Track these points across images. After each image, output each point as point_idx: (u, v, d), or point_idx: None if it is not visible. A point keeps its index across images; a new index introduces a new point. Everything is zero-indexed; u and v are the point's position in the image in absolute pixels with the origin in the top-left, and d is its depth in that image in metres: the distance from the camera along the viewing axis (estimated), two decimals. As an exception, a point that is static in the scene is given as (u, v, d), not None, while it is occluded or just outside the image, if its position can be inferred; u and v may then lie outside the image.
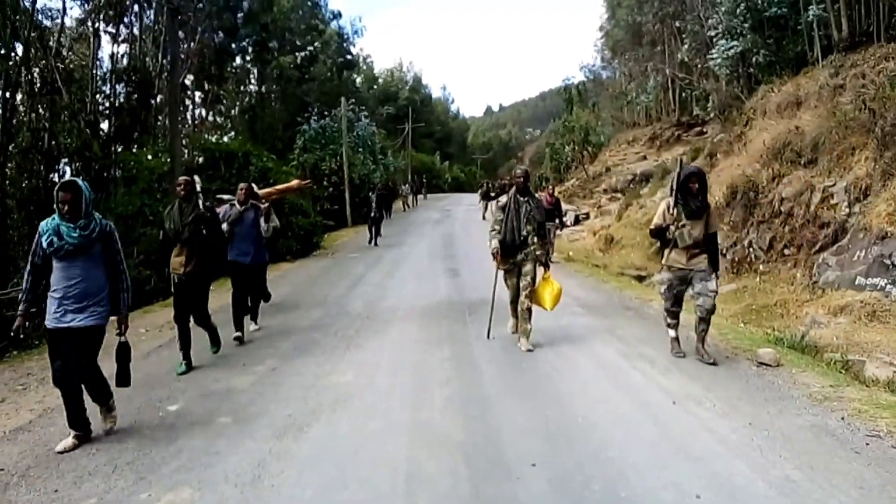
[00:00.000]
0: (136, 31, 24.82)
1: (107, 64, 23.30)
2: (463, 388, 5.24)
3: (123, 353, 4.44)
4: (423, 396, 5.07)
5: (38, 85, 17.25)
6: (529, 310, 6.42)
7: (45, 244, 4.09)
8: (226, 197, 8.31)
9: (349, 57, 47.57)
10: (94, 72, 21.29)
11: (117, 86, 22.71)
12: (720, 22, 20.51)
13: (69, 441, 4.20)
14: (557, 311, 6.70)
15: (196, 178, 6.39)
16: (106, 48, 40.02)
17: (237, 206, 7.50)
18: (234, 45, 33.62)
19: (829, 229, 10.39)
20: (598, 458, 3.78)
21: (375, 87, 59.97)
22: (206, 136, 30.51)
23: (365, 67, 58.40)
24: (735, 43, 19.55)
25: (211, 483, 3.61)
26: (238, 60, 36.02)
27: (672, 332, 6.11)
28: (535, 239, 6.35)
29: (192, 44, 26.63)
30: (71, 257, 4.11)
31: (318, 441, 4.21)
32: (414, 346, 6.79)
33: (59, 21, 20.31)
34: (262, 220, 7.67)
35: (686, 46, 27.66)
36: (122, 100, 22.54)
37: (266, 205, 8.01)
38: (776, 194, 12.04)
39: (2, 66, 15.13)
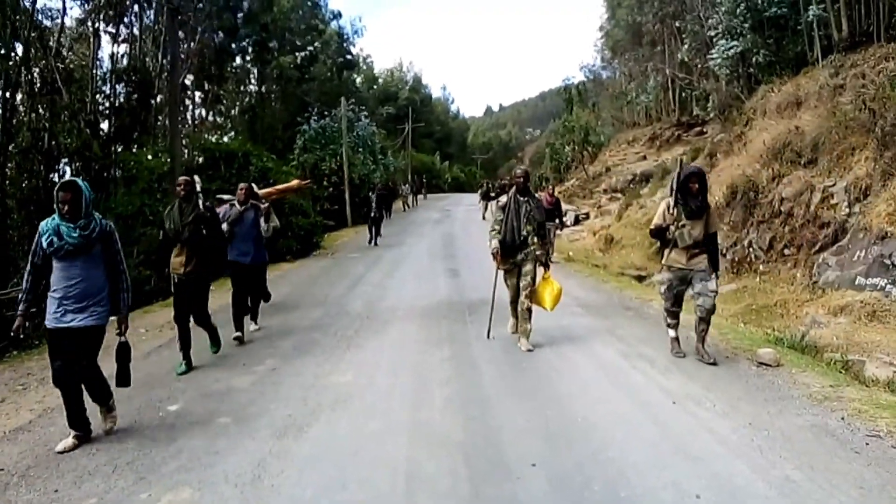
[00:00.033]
0: (136, 31, 24.83)
1: (107, 64, 23.33)
2: (463, 389, 5.24)
3: (123, 353, 4.44)
4: (423, 396, 5.07)
5: (38, 85, 17.22)
6: (529, 310, 6.41)
7: (44, 244, 4.08)
8: (226, 197, 8.30)
9: (349, 57, 47.58)
10: (94, 72, 21.29)
11: (117, 86, 22.72)
12: (720, 22, 20.51)
13: (69, 441, 4.20)
14: (557, 311, 6.69)
15: (196, 177, 6.38)
16: (106, 48, 40.09)
17: (237, 206, 7.50)
18: (234, 45, 33.64)
19: (829, 229, 10.39)
20: (598, 459, 3.78)
21: (375, 87, 59.97)
22: (206, 136, 30.54)
23: (365, 67, 58.45)
24: (735, 43, 19.56)
25: (211, 483, 3.61)
26: (238, 60, 36.10)
27: (672, 332, 6.11)
28: (535, 239, 6.34)
29: (192, 44, 26.65)
30: (71, 257, 4.11)
31: (318, 441, 4.21)
32: (414, 347, 6.78)
33: (59, 21, 20.33)
34: (262, 221, 7.67)
35: (686, 46, 27.67)
36: (122, 100, 22.53)
37: (266, 205, 8.01)
38: (776, 194, 12.04)
39: (2, 65, 15.12)
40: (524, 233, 6.30)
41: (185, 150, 20.34)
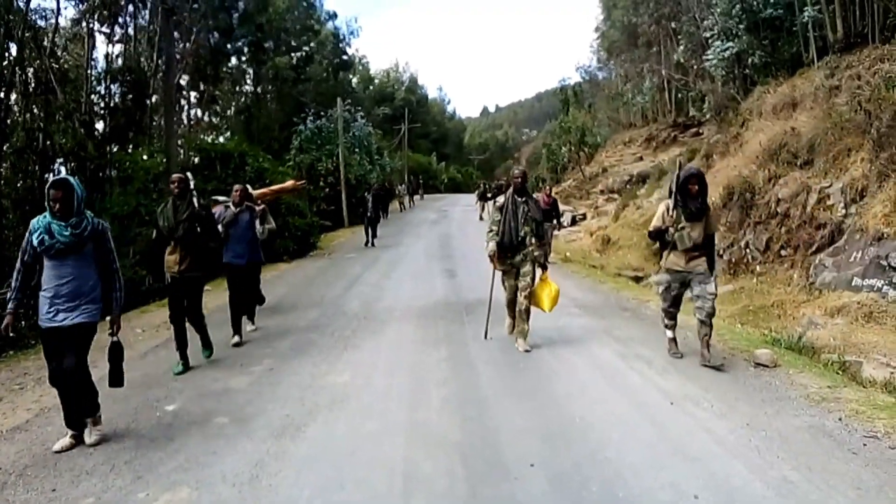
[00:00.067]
0: (130, 31, 24.71)
1: (101, 64, 23.18)
2: (460, 389, 5.24)
3: (116, 352, 4.39)
4: (420, 397, 5.06)
5: (33, 85, 17.16)
6: (528, 310, 6.41)
7: (35, 242, 4.03)
8: (221, 199, 8.27)
9: (345, 58, 47.44)
10: (89, 72, 21.18)
11: (112, 86, 22.58)
12: (716, 23, 20.55)
13: (66, 440, 4.19)
14: (555, 311, 6.69)
15: (188, 174, 6.34)
16: (101, 48, 39.89)
17: (232, 207, 7.46)
18: (229, 46, 33.56)
19: (826, 230, 10.42)
20: (596, 459, 3.78)
21: (371, 87, 59.90)
22: (201, 136, 30.44)
23: (361, 68, 58.33)
24: (731, 44, 19.60)
25: (209, 483, 3.61)
26: (234, 61, 35.98)
27: (669, 333, 6.09)
28: (533, 239, 6.34)
29: (187, 44, 26.57)
30: (62, 256, 4.06)
31: (316, 441, 4.20)
32: (411, 347, 6.78)
33: (53, 21, 20.23)
34: (257, 223, 7.64)
35: (682, 48, 27.68)
36: (117, 100, 22.41)
37: (262, 206, 7.97)
38: (772, 195, 12.08)
39: (-3, 65, 15.08)
40: (522, 233, 6.28)
41: (181, 151, 20.25)
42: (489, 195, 24.83)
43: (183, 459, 3.94)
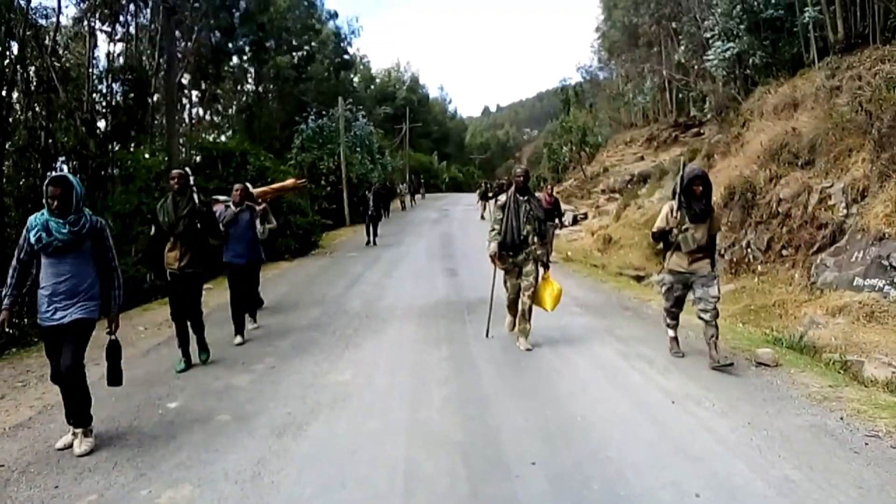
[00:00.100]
0: (132, 30, 24.74)
1: (103, 63, 23.21)
2: (461, 388, 5.24)
3: (114, 351, 4.35)
4: (422, 396, 5.07)
5: (35, 83, 17.15)
6: (530, 309, 6.41)
7: (32, 239, 3.98)
8: (221, 198, 8.26)
9: (346, 57, 47.46)
10: (91, 70, 21.18)
11: (114, 84, 22.59)
12: (716, 23, 20.55)
13: (69, 437, 4.18)
14: (556, 310, 6.68)
15: (187, 169, 6.32)
16: (102, 47, 39.84)
17: (232, 207, 7.45)
18: (230, 45, 33.53)
19: (827, 230, 10.43)
20: (597, 458, 3.78)
21: (373, 87, 59.90)
22: (203, 135, 30.52)
23: (362, 67, 58.35)
24: (731, 44, 19.61)
25: (211, 480, 3.61)
26: (235, 60, 35.95)
27: (671, 332, 6.09)
28: (535, 238, 6.33)
29: (188, 43, 26.57)
30: (60, 253, 4.02)
31: (317, 440, 4.21)
32: (412, 346, 6.78)
33: (54, 20, 20.24)
34: (258, 222, 7.63)
35: (682, 48, 27.70)
36: (118, 98, 22.42)
37: (263, 206, 7.96)
38: (774, 195, 12.08)
39: (-2, 64, 15.08)
40: (524, 232, 6.27)
41: (183, 149, 20.30)
42: (490, 194, 24.84)
43: (185, 457, 3.95)
